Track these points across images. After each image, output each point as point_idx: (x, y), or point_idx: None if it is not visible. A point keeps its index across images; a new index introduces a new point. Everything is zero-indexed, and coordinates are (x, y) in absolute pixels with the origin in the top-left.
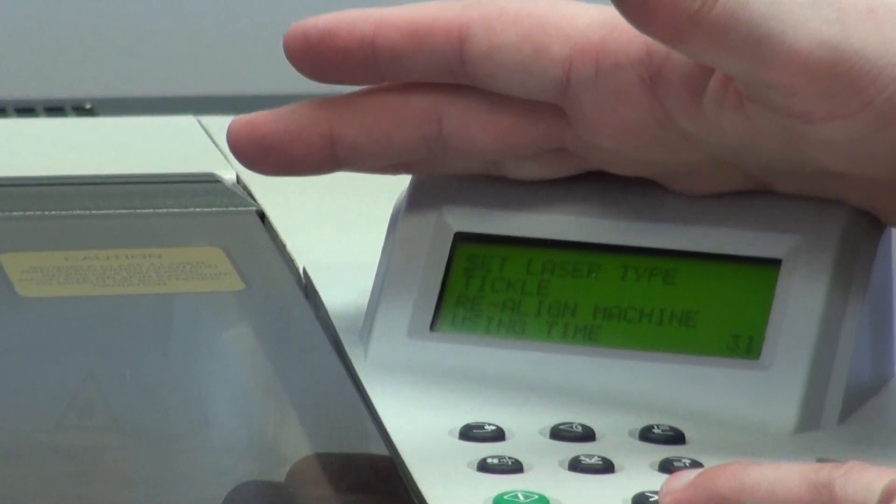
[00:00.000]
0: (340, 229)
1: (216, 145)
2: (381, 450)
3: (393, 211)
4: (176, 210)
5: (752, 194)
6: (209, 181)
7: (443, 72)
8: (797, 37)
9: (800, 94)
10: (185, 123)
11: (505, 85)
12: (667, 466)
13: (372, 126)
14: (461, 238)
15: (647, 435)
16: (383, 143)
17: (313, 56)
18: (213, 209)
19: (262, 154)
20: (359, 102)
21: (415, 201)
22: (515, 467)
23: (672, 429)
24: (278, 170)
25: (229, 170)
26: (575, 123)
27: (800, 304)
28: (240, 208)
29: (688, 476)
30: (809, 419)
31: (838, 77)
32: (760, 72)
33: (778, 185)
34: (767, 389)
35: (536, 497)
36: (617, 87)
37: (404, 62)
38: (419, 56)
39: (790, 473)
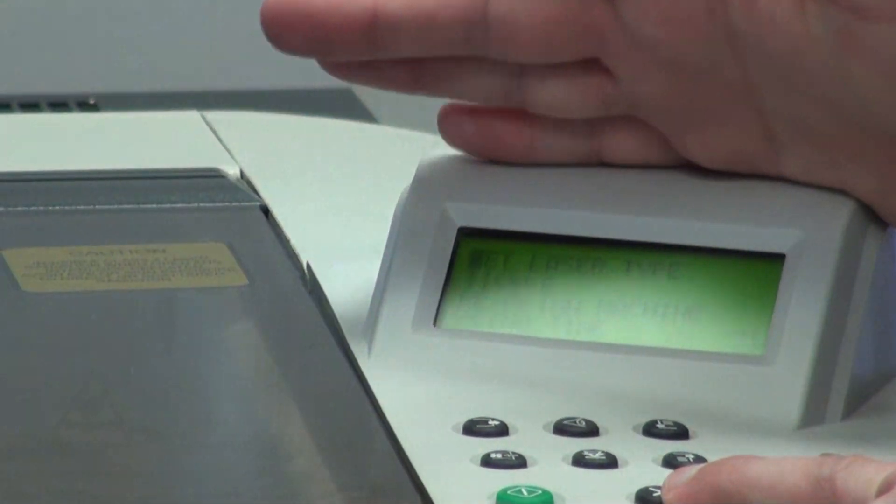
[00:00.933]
0: (344, 224)
1: (220, 140)
2: (385, 445)
3: (397, 205)
4: (179, 205)
5: (756, 189)
6: (213, 176)
7: (461, 31)
8: None
9: None
10: (189, 118)
11: None
12: (670, 461)
13: (416, 2)
14: (465, 233)
15: (650, 430)
16: (425, 23)
17: (298, 34)
18: (217, 204)
19: (297, 22)
20: None
21: (419, 196)
22: (519, 462)
23: (676, 424)
24: (311, 44)
25: (233, 165)
26: (623, 7)
27: (803, 299)
28: (243, 203)
29: (690, 472)
30: (813, 415)
31: None
32: None
33: (792, 157)
34: (771, 385)
35: (540, 492)
36: None
37: (409, 30)
38: (436, 16)
39: (792, 467)
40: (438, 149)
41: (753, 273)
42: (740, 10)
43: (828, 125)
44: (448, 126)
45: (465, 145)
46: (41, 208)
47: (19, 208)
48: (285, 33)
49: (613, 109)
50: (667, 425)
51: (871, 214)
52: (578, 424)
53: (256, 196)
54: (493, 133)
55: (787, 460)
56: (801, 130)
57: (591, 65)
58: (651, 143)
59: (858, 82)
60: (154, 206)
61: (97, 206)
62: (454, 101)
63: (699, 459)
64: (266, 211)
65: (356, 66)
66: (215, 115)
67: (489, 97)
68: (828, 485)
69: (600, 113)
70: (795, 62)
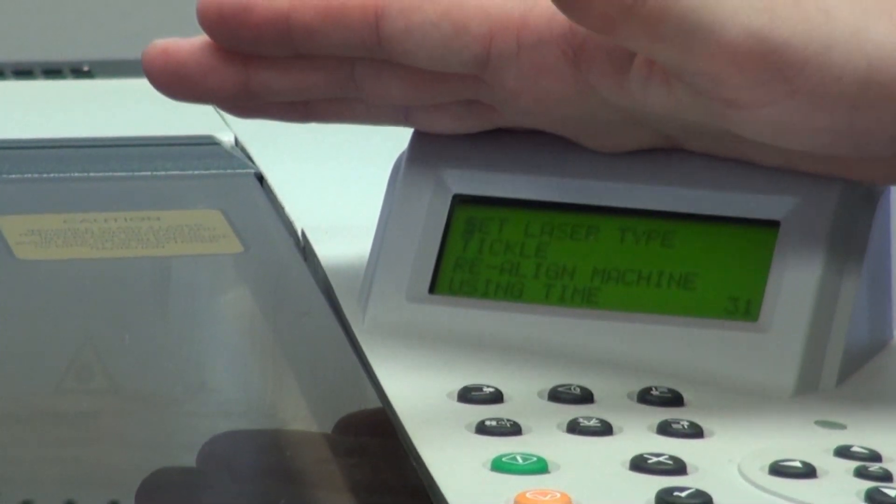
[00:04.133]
0: (339, 191)
1: (214, 107)
2: (380, 413)
3: (391, 173)
4: (174, 172)
5: None
6: (207, 143)
7: (358, 49)
8: (726, 27)
9: (727, 82)
10: None
11: (425, 61)
12: (665, 428)
13: (287, 65)
14: (460, 200)
15: (645, 397)
16: (297, 85)
17: (228, 30)
18: (212, 171)
19: (176, 82)
20: None
21: (413, 163)
22: (514, 429)
23: (670, 391)
24: (194, 98)
25: (228, 132)
26: (495, 92)
27: (798, 266)
28: (238, 170)
29: None
30: (808, 381)
31: (766, 66)
32: (689, 61)
33: (694, 147)
34: (766, 352)
35: (535, 459)
36: (539, 62)
37: (319, 39)
38: (334, 34)
39: None
40: None
41: (748, 240)
42: (610, 92)
43: (722, 133)
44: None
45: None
46: (35, 176)
47: (13, 176)
48: (166, 87)
49: (503, 125)
50: (661, 392)
51: (865, 182)
52: (573, 391)
53: (251, 163)
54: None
55: None
56: (695, 136)
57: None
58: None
59: (743, 139)
60: (148, 173)
61: (91, 174)
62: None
63: (694, 426)
64: (261, 178)
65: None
66: None
67: (379, 123)
68: None
69: (486, 128)
70: (675, 120)
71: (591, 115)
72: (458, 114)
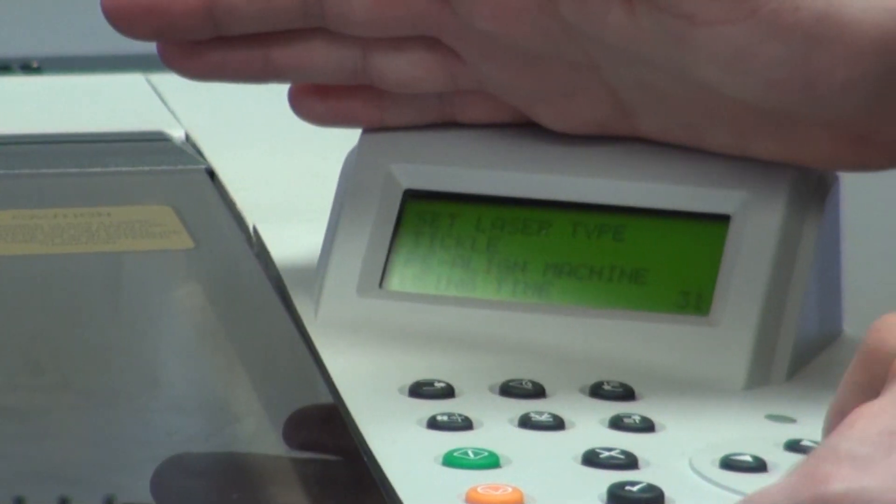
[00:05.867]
0: (290, 187)
1: (165, 103)
2: (331, 408)
3: (342, 168)
4: (125, 168)
5: (702, 151)
6: (158, 139)
7: (298, 10)
8: None
9: None
10: (134, 81)
11: None
12: (617, 423)
13: None
14: (411, 195)
15: (597, 391)
16: (261, 5)
17: (143, 23)
18: (162, 167)
19: (139, 15)
20: None
21: (364, 158)
22: (465, 424)
23: (622, 385)
24: (156, 32)
25: (178, 128)
26: (455, 2)
27: (749, 260)
28: (189, 166)
29: None
30: (758, 375)
31: None
32: None
33: (646, 120)
34: (717, 346)
35: (486, 454)
36: None
37: (247, 12)
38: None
39: None
40: None
41: (699, 234)
42: (571, 9)
43: (675, 91)
44: (299, 107)
45: (319, 121)
46: None
47: None
48: (127, 22)
49: (462, 84)
50: (613, 387)
51: (815, 175)
52: (525, 386)
53: (202, 159)
54: (342, 109)
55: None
56: (649, 96)
57: (435, 42)
58: (503, 109)
59: (698, 72)
60: (99, 169)
61: (41, 170)
62: None
63: (645, 421)
64: (212, 174)
65: (202, 64)
66: (160, 78)
67: (337, 77)
68: None
69: (448, 88)
70: (633, 52)
71: (548, 45)
72: (418, 60)
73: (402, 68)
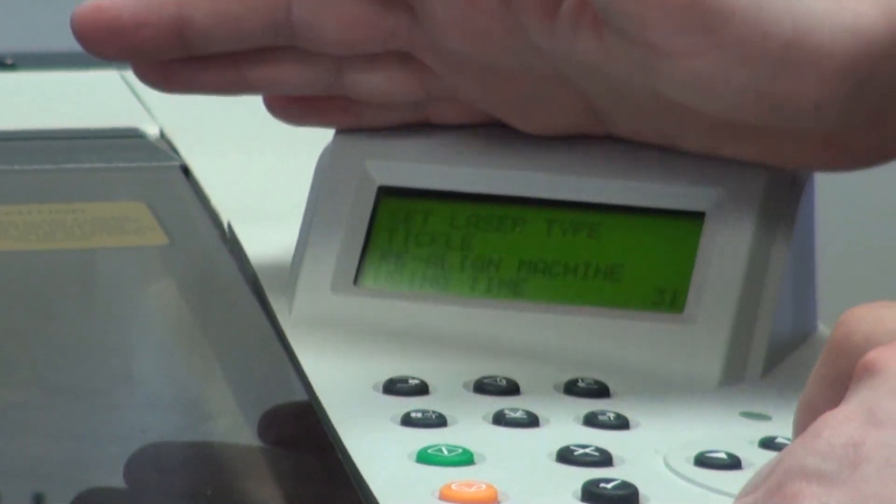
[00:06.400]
0: (265, 184)
1: (139, 100)
2: (306, 405)
3: (317, 165)
4: (99, 165)
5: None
6: (132, 136)
7: (268, 32)
8: None
9: (653, 27)
10: (108, 78)
11: None
12: (591, 420)
13: (222, 9)
14: (385, 192)
15: (571, 388)
16: (232, 28)
17: (113, 45)
18: (137, 164)
19: (109, 38)
20: None
21: (339, 156)
22: (439, 421)
23: (597, 382)
24: (124, 53)
25: (153, 124)
26: (425, 23)
27: (724, 257)
28: (163, 163)
29: None
30: (733, 372)
31: (693, 14)
32: (617, 1)
33: (620, 124)
34: (692, 343)
35: (460, 451)
36: None
37: (217, 35)
38: (241, 21)
39: None
40: None
41: (674, 231)
42: (539, 33)
43: (648, 104)
44: (275, 109)
45: (295, 122)
46: None
47: None
48: (97, 45)
49: (434, 93)
50: (588, 384)
51: (790, 173)
52: (499, 383)
53: (176, 156)
54: (318, 112)
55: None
56: (622, 106)
57: (407, 57)
58: (477, 112)
59: (667, 94)
60: (73, 165)
61: (15, 166)
62: None
63: (620, 418)
64: (186, 171)
65: (175, 80)
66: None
67: (311, 91)
68: None
69: (422, 97)
70: (602, 74)
71: (519, 63)
72: (391, 74)
73: (376, 83)
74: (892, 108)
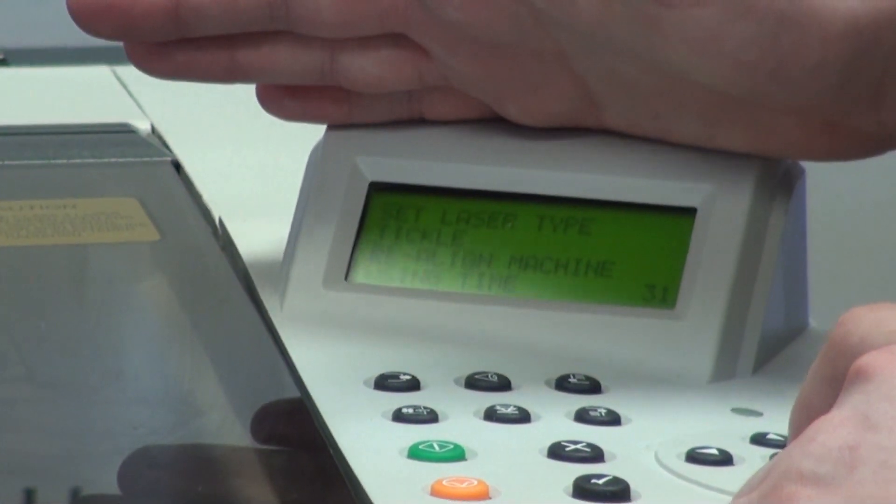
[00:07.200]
0: (256, 179)
1: (131, 95)
2: (298, 401)
3: (309, 161)
4: (91, 160)
5: (668, 144)
6: (124, 131)
7: (263, 11)
8: None
9: None
10: (100, 73)
11: None
12: (582, 416)
13: None
14: (376, 188)
15: (562, 384)
16: (227, 7)
17: (108, 22)
18: (128, 159)
19: (102, 14)
20: None
21: (330, 151)
22: (431, 417)
23: (588, 378)
24: (118, 31)
25: (144, 120)
26: (424, 5)
27: (715, 253)
28: (155, 158)
29: None
30: (724, 368)
31: None
32: None
33: (614, 111)
34: (683, 339)
35: (452, 447)
36: None
37: (211, 14)
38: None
39: None
40: None
41: (665, 227)
42: None
43: (644, 80)
44: (267, 103)
45: (287, 117)
46: None
47: None
48: (93, 23)
49: (428, 81)
50: (579, 380)
51: (781, 169)
52: (490, 379)
53: (168, 151)
54: (310, 106)
55: None
56: (617, 87)
57: (401, 39)
58: (471, 104)
59: (668, 56)
60: (64, 161)
61: (6, 162)
62: None
63: (611, 414)
64: (177, 166)
65: (168, 64)
66: (126, 70)
67: (304, 79)
68: None
69: (415, 86)
70: (602, 36)
71: (518, 34)
72: (385, 58)
73: (369, 68)
74: (892, 86)
